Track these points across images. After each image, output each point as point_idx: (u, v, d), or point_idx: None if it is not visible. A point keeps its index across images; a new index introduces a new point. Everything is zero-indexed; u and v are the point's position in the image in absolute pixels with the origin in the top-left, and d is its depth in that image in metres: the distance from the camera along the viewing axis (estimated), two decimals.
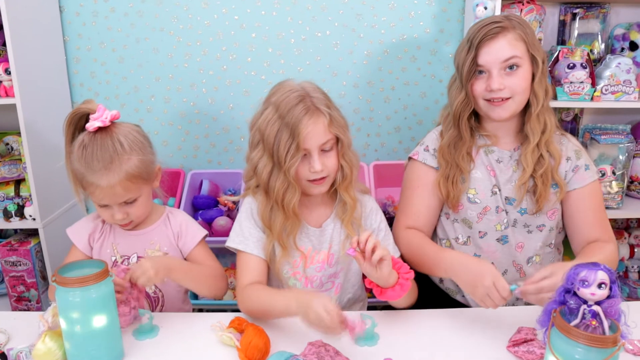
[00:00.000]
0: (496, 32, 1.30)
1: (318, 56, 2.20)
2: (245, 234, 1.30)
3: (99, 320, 1.03)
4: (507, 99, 1.33)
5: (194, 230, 1.41)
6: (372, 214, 1.38)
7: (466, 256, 1.31)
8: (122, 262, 1.35)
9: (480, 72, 1.34)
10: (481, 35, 1.31)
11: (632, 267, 2.23)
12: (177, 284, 1.36)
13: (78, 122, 1.27)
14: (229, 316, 1.22)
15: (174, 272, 1.25)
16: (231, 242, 1.31)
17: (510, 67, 1.32)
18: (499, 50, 1.30)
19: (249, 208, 1.33)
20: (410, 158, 1.50)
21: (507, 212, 1.41)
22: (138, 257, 1.36)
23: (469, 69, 1.33)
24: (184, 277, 1.29)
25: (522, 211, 1.40)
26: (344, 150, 1.27)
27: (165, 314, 1.31)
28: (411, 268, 1.33)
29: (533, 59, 1.33)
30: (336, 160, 1.26)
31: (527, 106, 1.38)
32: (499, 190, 1.41)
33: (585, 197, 1.41)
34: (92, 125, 1.23)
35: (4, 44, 1.86)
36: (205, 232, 1.43)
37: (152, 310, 1.38)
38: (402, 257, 1.39)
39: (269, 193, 1.26)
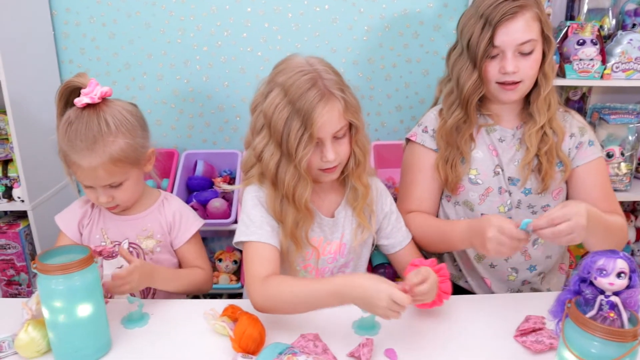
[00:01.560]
0: (514, 12, 1.22)
1: (316, 32, 2.11)
2: (257, 223, 1.17)
3: (84, 309, 0.98)
4: (518, 82, 1.27)
5: (188, 223, 1.34)
6: (381, 197, 1.32)
7: (470, 221, 1.25)
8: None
9: (494, 54, 1.27)
10: (500, 15, 1.22)
11: (638, 250, 2.18)
12: (176, 264, 1.35)
13: (69, 96, 1.21)
14: (223, 303, 1.16)
15: (155, 281, 1.19)
16: (242, 236, 1.17)
17: (524, 51, 1.25)
18: (517, 32, 1.23)
19: (255, 196, 1.20)
20: (408, 140, 1.44)
21: (510, 193, 1.35)
22: (129, 243, 1.30)
23: (485, 49, 1.25)
24: (165, 285, 1.23)
25: (527, 191, 1.35)
26: (357, 136, 1.18)
27: (155, 300, 1.25)
28: (424, 253, 1.33)
29: (546, 39, 1.28)
30: (348, 147, 1.17)
31: (534, 85, 1.32)
32: (502, 170, 1.35)
33: (589, 174, 1.35)
34: (80, 100, 1.17)
35: None
36: (200, 223, 1.36)
37: (144, 297, 1.33)
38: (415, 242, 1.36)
39: (278, 185, 1.16)
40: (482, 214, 1.36)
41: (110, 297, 1.22)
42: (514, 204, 1.35)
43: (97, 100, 1.17)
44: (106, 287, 1.12)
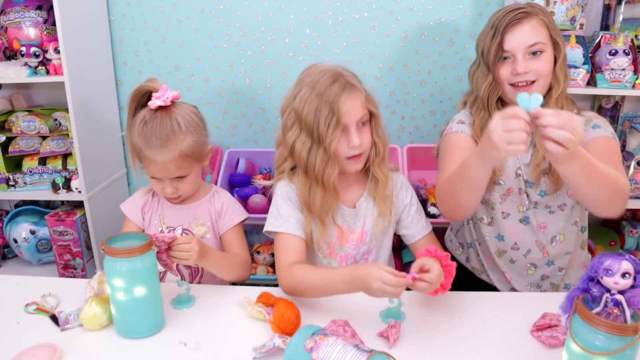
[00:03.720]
0: (520, 18, 1.33)
1: (355, 38, 2.21)
2: (284, 216, 1.32)
3: (142, 290, 1.10)
4: (532, 82, 1.35)
5: (233, 213, 1.47)
6: (402, 189, 1.42)
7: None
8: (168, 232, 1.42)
9: (505, 57, 1.37)
10: (507, 21, 1.33)
11: None
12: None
13: (141, 99, 1.36)
14: (255, 291, 1.27)
15: (207, 258, 1.29)
16: (270, 227, 1.33)
17: (534, 52, 1.34)
18: (524, 36, 1.33)
19: (284, 191, 1.35)
20: (444, 136, 1.49)
21: (528, 195, 1.43)
22: (183, 229, 1.43)
23: (495, 53, 1.35)
24: (213, 265, 1.34)
25: (542, 193, 1.41)
26: (377, 126, 1.32)
27: (201, 285, 1.38)
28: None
29: (555, 44, 1.36)
30: (370, 137, 1.31)
31: (548, 90, 1.39)
32: (522, 172, 1.43)
33: (597, 146, 1.30)
34: (154, 103, 1.31)
35: (54, 24, 1.94)
36: (244, 216, 1.49)
37: (192, 280, 1.47)
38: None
39: (309, 170, 1.29)
40: (502, 212, 1.44)
41: (161, 281, 1.35)
42: (531, 204, 1.43)
43: (168, 103, 1.31)
44: (168, 261, 1.23)
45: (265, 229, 1.34)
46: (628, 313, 0.85)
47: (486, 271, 1.52)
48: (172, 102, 1.33)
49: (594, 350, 0.84)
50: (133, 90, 1.35)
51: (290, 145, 1.30)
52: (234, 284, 1.49)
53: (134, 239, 1.12)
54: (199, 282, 1.48)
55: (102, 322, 1.16)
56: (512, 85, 1.37)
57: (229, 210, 1.47)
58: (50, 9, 2.04)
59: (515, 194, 1.43)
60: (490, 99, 1.41)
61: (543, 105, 1.16)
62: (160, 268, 1.23)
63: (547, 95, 1.39)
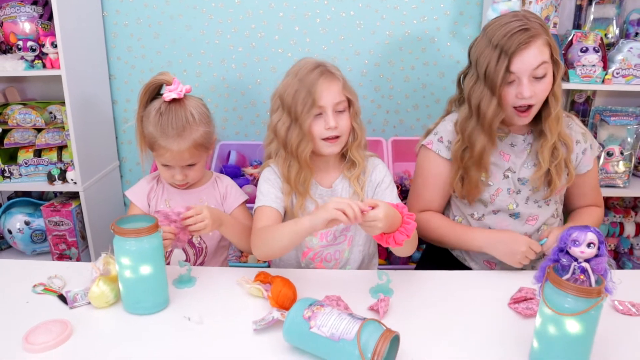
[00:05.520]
0: (528, 42, 1.31)
1: (342, 35, 2.30)
2: (264, 193, 1.43)
3: (148, 269, 1.17)
4: (531, 106, 1.37)
5: (237, 194, 1.58)
6: (377, 169, 1.49)
7: (496, 232, 1.45)
8: None
9: (510, 79, 1.35)
10: (515, 45, 1.30)
11: (637, 244, 2.32)
12: (222, 236, 1.53)
13: (152, 92, 1.43)
14: (252, 272, 1.35)
15: (224, 226, 1.41)
16: (255, 206, 1.43)
17: (537, 77, 1.34)
18: (530, 58, 1.31)
19: (265, 175, 1.46)
20: (423, 145, 1.54)
21: (518, 192, 1.48)
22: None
23: (503, 77, 1.33)
24: (230, 232, 1.44)
25: (533, 188, 1.48)
26: (354, 112, 1.41)
27: (200, 267, 1.46)
28: (432, 245, 1.44)
29: (556, 63, 1.37)
30: (348, 122, 1.40)
31: (545, 106, 1.41)
32: (512, 172, 1.48)
33: (589, 177, 1.55)
34: (168, 96, 1.38)
35: (49, 19, 1.99)
36: (246, 197, 1.59)
37: (196, 260, 1.55)
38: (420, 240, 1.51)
39: (286, 147, 1.39)
40: (493, 210, 1.50)
41: (167, 264, 1.43)
42: (522, 201, 1.49)
43: (182, 96, 1.39)
44: (184, 235, 1.34)
45: (253, 210, 1.44)
46: (593, 278, 0.95)
47: (468, 262, 1.59)
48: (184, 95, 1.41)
49: (564, 312, 0.94)
50: (146, 84, 1.42)
51: (273, 125, 1.41)
52: (234, 265, 1.57)
53: (142, 221, 1.19)
54: (202, 262, 1.56)
55: (109, 300, 1.22)
56: (515, 108, 1.38)
57: (233, 191, 1.58)
58: (45, 4, 2.09)
59: (504, 193, 1.48)
60: (493, 124, 1.39)
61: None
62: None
63: (544, 112, 1.41)
